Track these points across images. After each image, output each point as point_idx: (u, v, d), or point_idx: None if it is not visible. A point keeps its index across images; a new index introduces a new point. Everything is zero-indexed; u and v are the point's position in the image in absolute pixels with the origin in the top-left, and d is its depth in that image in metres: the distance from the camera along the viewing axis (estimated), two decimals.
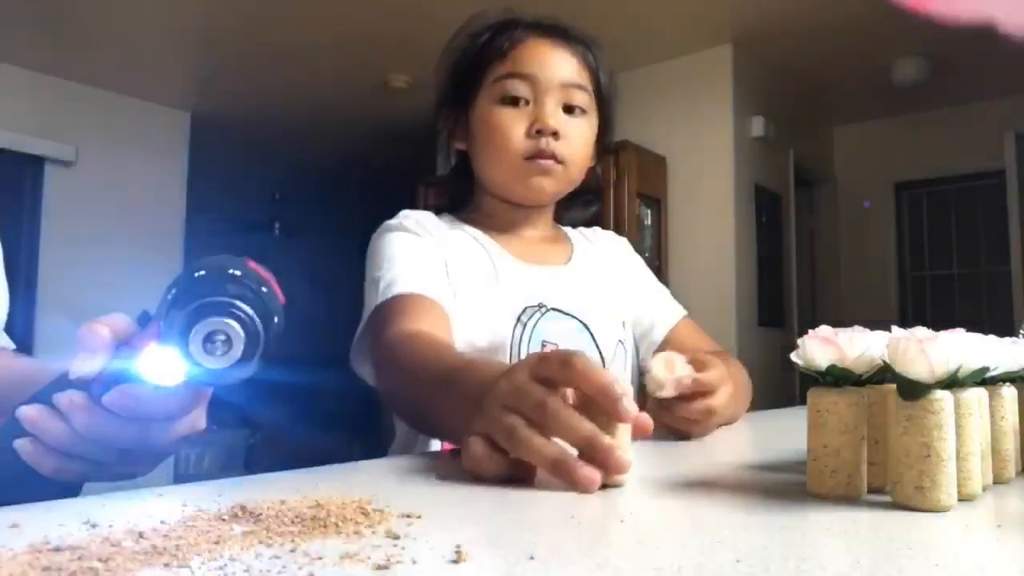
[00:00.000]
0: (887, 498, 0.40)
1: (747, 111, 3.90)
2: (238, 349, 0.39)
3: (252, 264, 0.44)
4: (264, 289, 0.43)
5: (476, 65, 0.92)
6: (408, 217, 0.93)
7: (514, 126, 0.89)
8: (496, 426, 0.46)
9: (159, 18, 3.58)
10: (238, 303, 0.40)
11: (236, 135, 5.28)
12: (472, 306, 0.87)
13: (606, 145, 1.00)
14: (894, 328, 0.41)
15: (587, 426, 0.44)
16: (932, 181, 4.84)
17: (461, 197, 1.01)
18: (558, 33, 0.94)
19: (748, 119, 3.91)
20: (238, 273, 0.42)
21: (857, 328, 0.43)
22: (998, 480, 0.46)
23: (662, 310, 1.05)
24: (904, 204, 4.99)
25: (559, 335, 0.90)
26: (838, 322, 0.45)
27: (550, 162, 0.89)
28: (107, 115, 4.42)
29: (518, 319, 0.88)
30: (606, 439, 0.43)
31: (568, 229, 1.08)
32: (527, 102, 0.89)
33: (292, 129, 5.23)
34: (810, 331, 0.43)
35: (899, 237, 4.97)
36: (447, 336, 0.80)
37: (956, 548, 0.32)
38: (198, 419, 0.46)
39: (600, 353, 0.92)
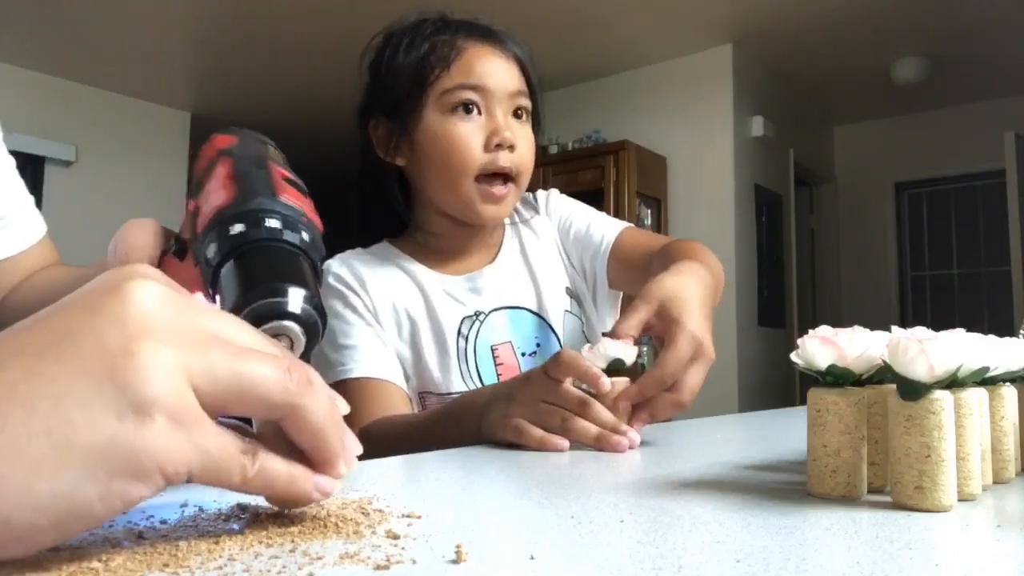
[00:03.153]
0: (887, 498, 0.40)
1: (747, 111, 3.90)
2: (298, 350, 0.37)
3: (307, 213, 0.42)
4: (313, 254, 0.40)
5: (418, 74, 0.87)
6: (331, 276, 0.90)
7: (471, 138, 0.85)
8: (545, 416, 0.63)
9: (159, 18, 3.58)
10: (292, 298, 0.37)
11: None
12: (409, 334, 0.88)
13: (540, 146, 0.97)
14: (894, 328, 0.41)
15: (611, 416, 0.63)
16: (932, 181, 4.85)
17: (400, 219, 0.97)
18: (496, 38, 0.90)
19: (748, 119, 3.91)
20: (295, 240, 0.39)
21: (857, 328, 0.43)
22: (998, 480, 0.46)
23: (600, 232, 0.98)
24: (904, 204, 4.99)
25: (505, 332, 0.90)
26: (838, 322, 0.45)
27: (504, 188, 0.87)
28: (107, 115, 4.42)
29: (458, 334, 0.88)
30: (624, 426, 0.62)
31: (507, 220, 1.02)
32: (479, 112, 0.86)
33: (292, 129, 5.23)
34: (810, 331, 0.43)
35: (899, 237, 4.97)
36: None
37: (956, 548, 0.32)
38: None
39: (552, 329, 0.91)
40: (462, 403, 0.75)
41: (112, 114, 4.46)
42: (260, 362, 0.28)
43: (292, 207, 0.41)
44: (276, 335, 0.36)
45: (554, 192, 1.06)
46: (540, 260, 0.97)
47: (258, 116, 4.95)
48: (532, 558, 0.28)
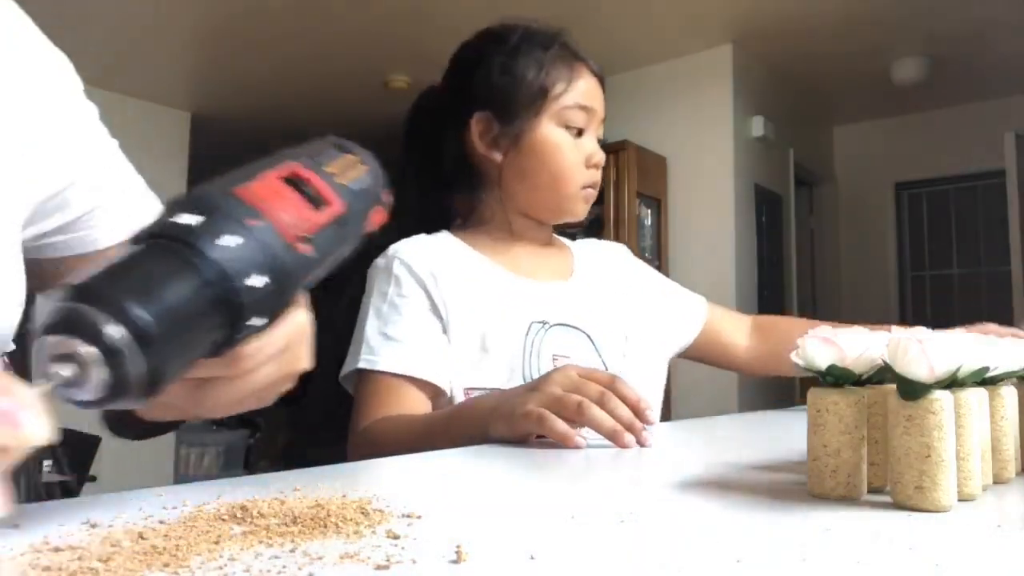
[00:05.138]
0: (887, 498, 0.40)
1: (747, 111, 3.90)
2: (93, 386, 0.27)
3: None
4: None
5: (541, 85, 0.94)
6: (397, 260, 0.91)
7: (577, 155, 0.96)
8: (563, 402, 0.65)
9: (159, 18, 3.58)
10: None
11: (236, 135, 5.28)
12: (480, 330, 0.89)
13: None
14: (894, 328, 0.41)
15: (628, 412, 0.66)
16: (932, 181, 4.84)
17: (473, 209, 1.01)
18: (597, 73, 1.01)
19: (748, 119, 3.91)
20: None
21: (857, 328, 0.43)
22: (998, 480, 0.46)
23: (690, 308, 1.12)
24: (904, 204, 4.99)
25: (566, 347, 0.92)
26: (838, 322, 0.45)
27: (593, 192, 0.99)
28: (107, 115, 4.41)
29: (525, 335, 0.90)
30: (639, 424, 0.65)
31: (567, 241, 1.09)
32: (582, 132, 0.96)
33: (292, 129, 5.22)
34: (810, 331, 0.43)
35: (899, 237, 4.97)
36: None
37: (956, 548, 0.32)
38: None
39: (604, 365, 0.93)
40: (465, 407, 0.79)
41: (112, 114, 4.43)
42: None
43: (244, 205, 0.32)
44: (64, 355, 0.27)
45: (625, 248, 1.16)
46: (610, 297, 1.02)
47: (258, 116, 4.95)
48: (532, 558, 0.28)
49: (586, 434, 0.65)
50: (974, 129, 4.52)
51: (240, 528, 0.32)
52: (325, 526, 0.32)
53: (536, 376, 0.84)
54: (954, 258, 4.88)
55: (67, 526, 0.32)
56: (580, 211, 1.00)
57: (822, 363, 0.42)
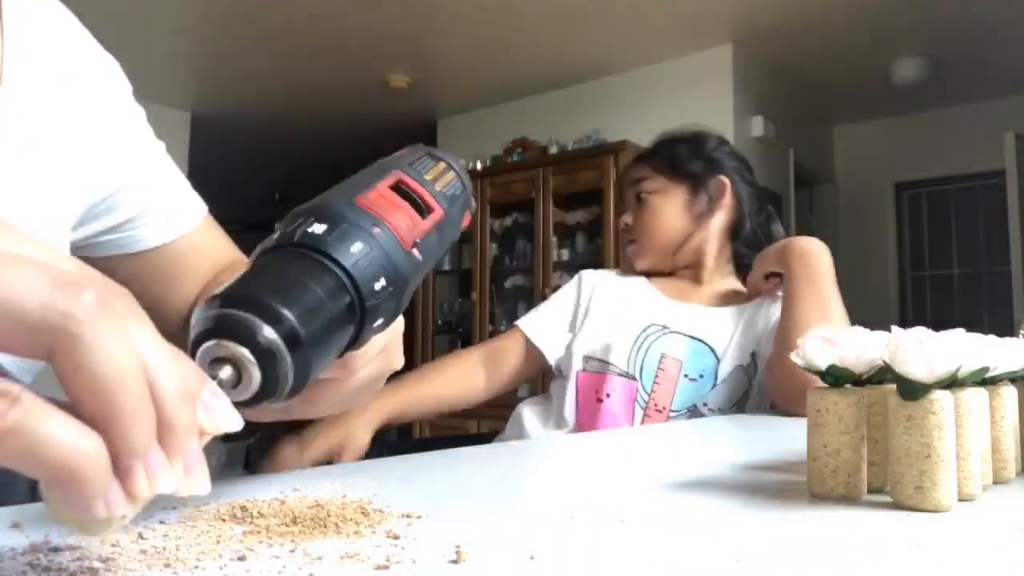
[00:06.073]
0: (887, 498, 0.40)
1: (747, 111, 3.90)
2: (247, 389, 0.28)
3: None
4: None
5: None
6: (578, 276, 1.25)
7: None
8: None
9: (159, 18, 3.58)
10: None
11: (236, 135, 5.28)
12: (602, 321, 1.13)
13: (711, 194, 1.20)
14: (894, 328, 0.41)
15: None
16: (932, 181, 4.84)
17: None
18: (640, 155, 1.30)
19: (748, 119, 3.91)
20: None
21: (857, 328, 0.43)
22: (998, 480, 0.46)
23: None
24: (904, 204, 4.99)
25: (680, 352, 1.09)
26: None
27: (631, 246, 1.24)
28: None
29: (641, 333, 1.10)
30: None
31: (762, 299, 1.15)
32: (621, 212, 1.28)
33: (292, 129, 5.23)
34: (810, 331, 0.43)
35: (899, 237, 4.97)
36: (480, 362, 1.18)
37: (956, 548, 0.32)
38: None
39: (716, 375, 1.07)
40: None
41: None
42: (18, 265, 0.19)
43: (367, 214, 0.33)
44: (220, 359, 0.27)
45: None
46: (748, 323, 1.11)
47: (258, 116, 4.95)
48: (532, 558, 0.28)
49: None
50: (974, 129, 4.52)
51: (240, 528, 0.32)
52: (325, 526, 0.32)
53: (640, 367, 1.08)
54: (954, 258, 4.88)
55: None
56: (624, 264, 1.29)
57: (822, 363, 0.42)
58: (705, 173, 1.21)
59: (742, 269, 1.21)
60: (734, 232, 1.21)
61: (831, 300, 1.00)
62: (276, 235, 0.32)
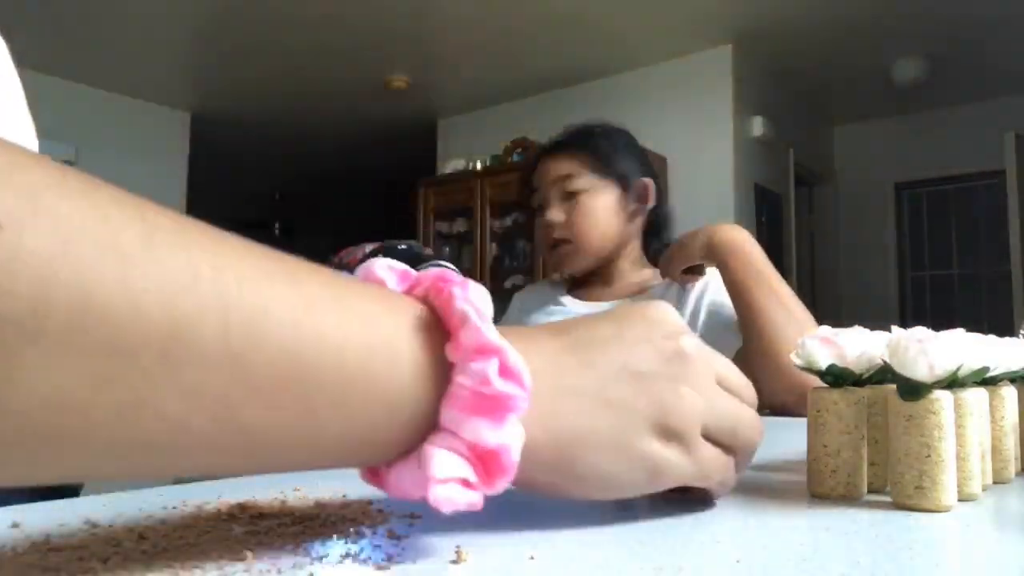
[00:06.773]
0: (887, 498, 0.40)
1: (747, 111, 3.90)
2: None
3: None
4: None
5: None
6: (513, 299, 1.31)
7: (538, 229, 1.23)
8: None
9: (159, 18, 3.58)
10: None
11: (236, 135, 5.28)
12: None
13: (637, 189, 1.20)
14: (894, 328, 0.41)
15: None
16: (932, 181, 4.84)
17: None
18: (552, 146, 1.24)
19: (748, 119, 3.91)
20: None
21: (857, 328, 0.43)
22: (998, 480, 0.46)
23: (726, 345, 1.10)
24: (904, 204, 4.99)
25: None
26: (838, 322, 0.45)
27: (562, 247, 1.18)
28: (107, 115, 4.42)
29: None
30: None
31: (667, 282, 1.14)
32: (540, 207, 1.21)
33: (292, 129, 5.23)
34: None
35: (899, 237, 4.97)
36: None
37: (956, 548, 0.32)
38: None
39: None
40: None
41: (112, 114, 4.45)
42: (748, 412, 0.36)
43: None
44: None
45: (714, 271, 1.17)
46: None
47: (258, 116, 4.95)
48: (532, 558, 0.28)
49: None
50: (974, 129, 4.52)
51: (240, 528, 0.32)
52: (325, 526, 0.32)
53: None
54: (954, 258, 4.88)
55: (67, 526, 0.32)
56: (552, 265, 1.26)
57: (822, 363, 0.42)
58: (631, 173, 1.20)
59: (653, 258, 1.22)
60: (651, 229, 1.24)
61: (784, 293, 0.96)
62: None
